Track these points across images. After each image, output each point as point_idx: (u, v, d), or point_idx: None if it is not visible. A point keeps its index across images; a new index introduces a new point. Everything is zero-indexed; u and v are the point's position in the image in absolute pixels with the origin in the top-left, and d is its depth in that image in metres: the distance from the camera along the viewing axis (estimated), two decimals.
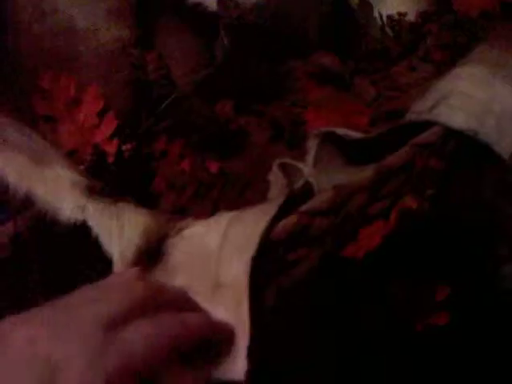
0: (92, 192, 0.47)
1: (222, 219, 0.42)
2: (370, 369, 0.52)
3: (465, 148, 0.51)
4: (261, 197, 0.57)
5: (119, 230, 0.43)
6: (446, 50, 0.78)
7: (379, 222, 0.48)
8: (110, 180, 0.58)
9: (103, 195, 0.48)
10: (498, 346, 0.52)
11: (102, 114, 0.74)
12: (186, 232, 0.42)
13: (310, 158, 0.57)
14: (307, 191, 0.49)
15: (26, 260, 0.50)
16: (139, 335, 0.36)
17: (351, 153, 0.61)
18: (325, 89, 0.90)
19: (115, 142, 0.73)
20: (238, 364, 0.38)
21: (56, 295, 0.39)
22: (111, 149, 0.73)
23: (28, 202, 0.46)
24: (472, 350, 0.52)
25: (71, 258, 0.48)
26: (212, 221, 0.42)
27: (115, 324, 0.36)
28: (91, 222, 0.44)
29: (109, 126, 0.74)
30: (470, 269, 0.52)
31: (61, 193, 0.46)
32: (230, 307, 0.40)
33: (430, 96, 0.53)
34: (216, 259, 0.41)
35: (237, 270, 0.40)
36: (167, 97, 0.80)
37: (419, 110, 0.52)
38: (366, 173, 0.47)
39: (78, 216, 0.45)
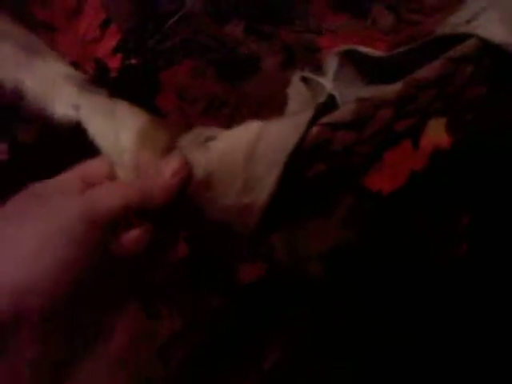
0: (86, 87, 0.42)
1: (250, 131, 0.38)
2: (390, 302, 0.49)
3: (502, 67, 0.47)
4: (277, 114, 0.53)
5: (114, 133, 0.39)
6: None
7: (406, 146, 0.44)
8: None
9: (98, 91, 0.43)
10: None
11: (104, 27, 0.69)
12: (213, 143, 0.37)
13: (330, 74, 0.53)
14: (331, 106, 0.45)
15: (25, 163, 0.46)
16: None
17: (373, 75, 0.57)
18: (341, 16, 0.85)
19: (119, 56, 0.69)
20: None
21: None
22: (114, 63, 0.69)
23: (17, 96, 0.41)
24: (492, 282, 0.49)
25: (71, 160, 0.44)
26: (238, 132, 0.38)
27: None
28: (86, 124, 0.40)
29: (111, 40, 0.69)
30: (490, 198, 0.48)
31: (53, 87, 0.41)
32: None
33: (466, 8, 0.48)
34: (243, 174, 0.37)
35: (265, 185, 0.36)
36: (174, 13, 0.75)
37: (455, 22, 0.47)
38: (393, 86, 0.43)
39: (72, 114, 0.40)
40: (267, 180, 0.38)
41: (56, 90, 0.41)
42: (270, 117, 0.52)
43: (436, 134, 0.42)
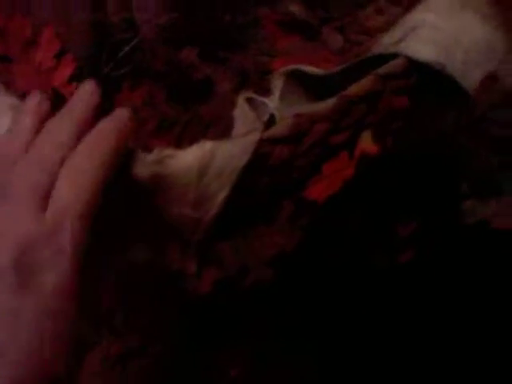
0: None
1: (203, 151, 0.41)
2: (335, 308, 0.51)
3: (429, 81, 0.50)
4: (224, 134, 0.55)
5: None
6: None
7: (343, 157, 0.47)
8: None
9: None
10: (460, 280, 0.52)
11: (59, 57, 0.71)
12: (169, 160, 0.40)
13: (276, 94, 0.56)
14: (272, 124, 0.48)
15: None
16: None
17: (316, 91, 0.60)
18: (292, 38, 0.88)
19: (74, 85, 0.71)
20: None
21: None
22: (69, 92, 0.70)
23: None
24: (436, 286, 0.52)
25: None
26: (193, 151, 0.41)
27: None
28: None
29: (66, 69, 0.71)
30: (432, 205, 0.51)
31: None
32: None
33: (397, 29, 0.52)
34: (195, 190, 0.40)
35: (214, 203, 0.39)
36: (129, 41, 0.77)
37: (386, 43, 0.51)
38: (327, 102, 0.46)
39: None
40: (217, 198, 0.41)
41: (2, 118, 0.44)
42: (217, 137, 0.55)
43: (365, 143, 0.45)
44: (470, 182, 0.50)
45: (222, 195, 0.41)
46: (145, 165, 0.40)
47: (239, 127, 0.54)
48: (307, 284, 0.47)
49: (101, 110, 0.70)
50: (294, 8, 0.86)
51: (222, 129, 0.57)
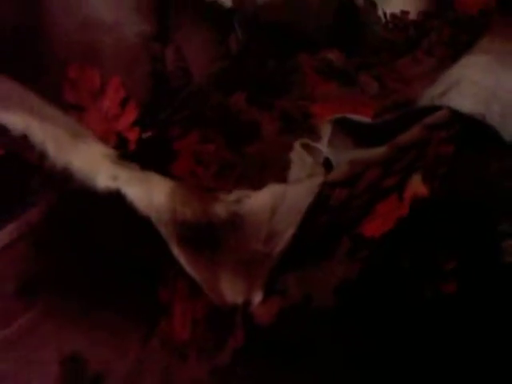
0: (121, 162, 0.51)
1: (274, 192, 0.46)
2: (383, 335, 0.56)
3: (471, 131, 0.55)
4: (280, 176, 0.61)
5: (148, 194, 0.47)
6: (448, 45, 0.83)
7: (394, 199, 0.52)
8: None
9: (131, 164, 0.52)
10: (499, 314, 0.56)
11: (123, 104, 0.78)
12: (247, 200, 0.46)
13: (325, 140, 0.62)
14: (328, 168, 0.54)
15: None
16: None
17: (361, 138, 0.66)
18: (330, 84, 0.94)
19: (136, 129, 0.77)
20: None
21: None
22: (133, 136, 0.77)
23: (66, 173, 0.49)
24: (476, 319, 0.56)
25: (111, 225, 0.52)
26: (265, 193, 0.47)
27: None
28: (124, 189, 0.48)
29: (130, 115, 0.78)
30: (473, 242, 0.56)
31: (95, 164, 0.50)
32: None
33: (440, 84, 0.58)
34: (267, 228, 0.45)
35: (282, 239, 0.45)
36: (184, 88, 0.84)
37: (430, 95, 0.57)
38: (379, 149, 0.52)
39: (112, 184, 0.49)
40: (285, 235, 0.46)
41: (97, 167, 0.50)
42: (274, 178, 0.61)
43: (415, 185, 0.50)
44: (508, 222, 0.55)
45: (289, 232, 0.47)
46: (225, 204, 0.46)
47: (296, 170, 0.60)
48: (364, 313, 0.51)
49: (162, 155, 0.76)
50: (332, 55, 0.92)
51: (277, 171, 0.63)
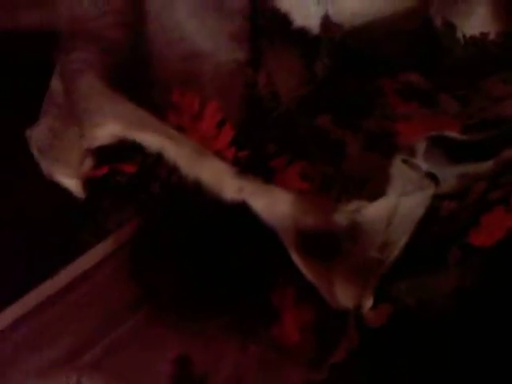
0: (243, 176, 0.56)
1: (389, 204, 0.50)
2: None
3: None
4: (380, 189, 0.64)
5: (272, 204, 0.52)
6: None
7: (500, 210, 0.55)
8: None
9: (251, 177, 0.56)
10: None
11: (220, 125, 0.83)
12: (363, 210, 0.50)
13: (420, 156, 0.65)
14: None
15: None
16: None
17: (455, 154, 0.68)
18: (411, 104, 0.97)
19: (233, 149, 0.82)
20: None
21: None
22: (230, 154, 0.82)
23: (196, 186, 0.54)
24: None
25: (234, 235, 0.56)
26: (380, 204, 0.50)
27: None
28: (249, 200, 0.53)
29: (227, 135, 0.83)
30: None
31: (220, 178, 0.55)
32: None
33: None
34: (383, 236, 0.49)
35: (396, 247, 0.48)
36: (274, 110, 0.89)
37: None
38: (486, 164, 0.55)
39: (237, 196, 0.53)
40: (399, 243, 0.50)
41: (223, 180, 0.55)
42: (375, 191, 0.64)
43: None
44: None
45: (403, 240, 0.50)
46: (345, 213, 0.49)
47: (397, 184, 0.63)
48: (481, 319, 0.53)
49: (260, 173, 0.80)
50: (413, 78, 0.95)
51: (377, 185, 0.66)
